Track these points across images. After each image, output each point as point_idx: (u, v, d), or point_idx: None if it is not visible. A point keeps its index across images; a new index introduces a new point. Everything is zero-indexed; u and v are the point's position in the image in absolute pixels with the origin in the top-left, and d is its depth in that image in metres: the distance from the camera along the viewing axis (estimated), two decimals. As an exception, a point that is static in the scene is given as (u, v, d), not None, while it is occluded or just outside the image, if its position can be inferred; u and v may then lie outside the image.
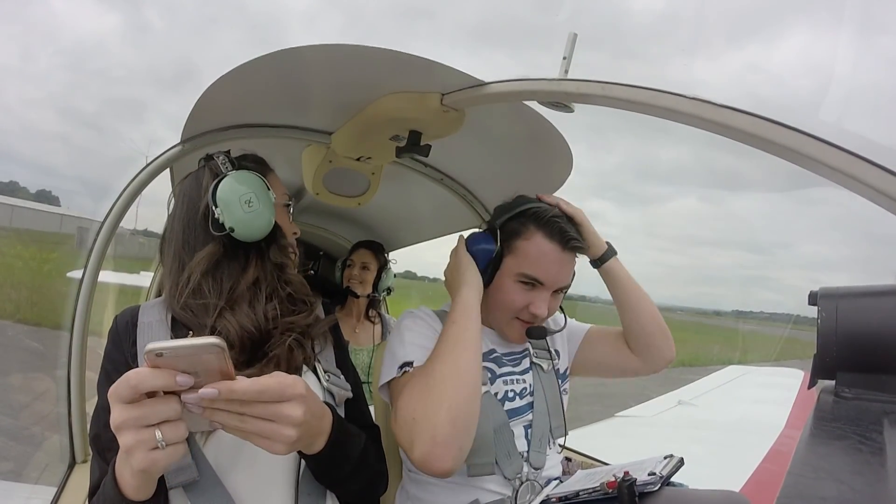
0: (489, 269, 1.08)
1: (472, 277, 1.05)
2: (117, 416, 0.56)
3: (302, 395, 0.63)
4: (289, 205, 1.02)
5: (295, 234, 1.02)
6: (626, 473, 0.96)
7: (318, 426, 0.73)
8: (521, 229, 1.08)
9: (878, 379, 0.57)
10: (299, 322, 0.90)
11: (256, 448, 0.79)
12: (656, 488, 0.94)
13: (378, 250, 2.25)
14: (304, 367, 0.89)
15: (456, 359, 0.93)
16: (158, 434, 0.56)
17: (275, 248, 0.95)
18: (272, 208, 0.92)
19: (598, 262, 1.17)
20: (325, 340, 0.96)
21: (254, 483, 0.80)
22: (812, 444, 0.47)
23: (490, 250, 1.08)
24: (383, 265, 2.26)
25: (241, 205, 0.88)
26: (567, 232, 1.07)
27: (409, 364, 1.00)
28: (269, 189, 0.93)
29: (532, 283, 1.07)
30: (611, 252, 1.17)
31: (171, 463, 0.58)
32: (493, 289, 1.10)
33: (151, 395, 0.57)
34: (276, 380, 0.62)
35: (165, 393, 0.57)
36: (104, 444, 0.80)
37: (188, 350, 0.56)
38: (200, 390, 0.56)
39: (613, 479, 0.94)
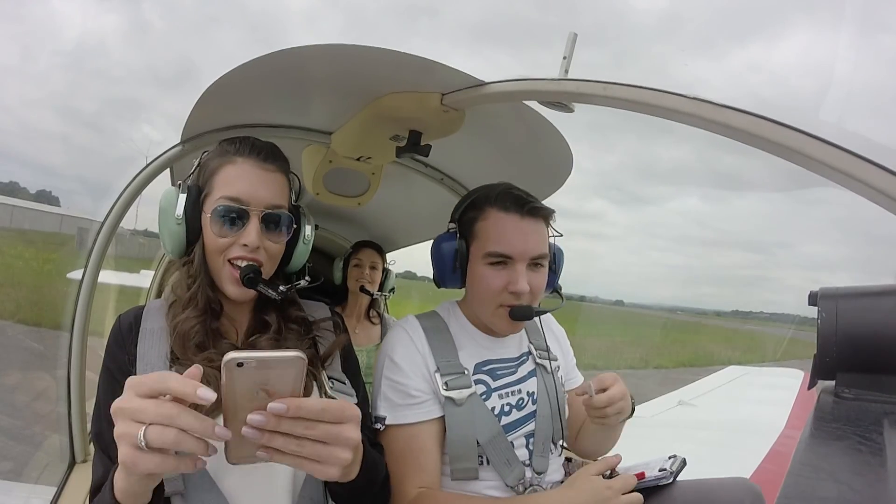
0: (457, 265, 1.08)
1: None
2: (119, 401, 0.56)
3: (358, 418, 0.63)
4: (225, 214, 0.84)
5: (245, 246, 0.84)
6: (643, 475, 0.98)
7: (359, 454, 0.73)
8: (477, 213, 1.07)
9: (878, 379, 0.57)
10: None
11: None
12: (669, 482, 0.97)
13: (381, 250, 2.28)
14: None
15: None
16: (140, 432, 0.54)
17: (201, 263, 0.87)
18: (173, 228, 0.85)
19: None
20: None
21: (251, 488, 0.79)
22: (812, 445, 0.47)
23: (453, 245, 1.08)
24: (385, 265, 2.30)
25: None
26: (522, 198, 1.05)
27: (382, 420, 1.02)
28: (176, 202, 0.85)
29: (502, 260, 1.03)
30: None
31: (152, 470, 0.55)
32: (469, 283, 1.09)
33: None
34: (337, 402, 0.62)
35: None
36: (107, 442, 0.79)
37: (270, 362, 0.55)
38: (270, 404, 0.55)
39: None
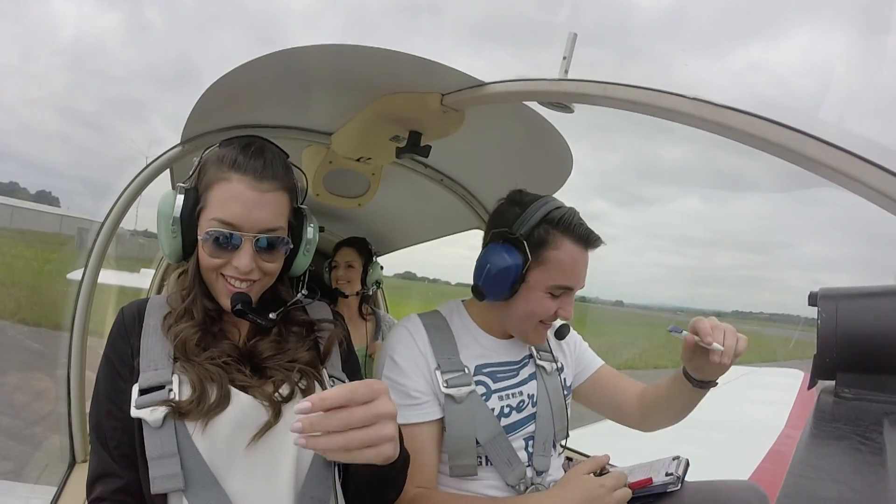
0: (516, 283, 1.03)
1: None
2: None
3: (388, 389, 0.66)
4: (218, 238, 0.81)
5: (235, 268, 0.82)
6: (650, 481, 0.98)
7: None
8: (548, 238, 1.02)
9: (878, 379, 0.57)
10: (300, 358, 0.87)
11: (255, 450, 0.79)
12: (678, 488, 0.98)
13: (361, 246, 2.23)
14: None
15: None
16: None
17: (195, 276, 0.87)
18: (169, 236, 0.84)
19: (700, 384, 1.04)
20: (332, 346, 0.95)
21: (253, 486, 0.79)
22: (812, 445, 0.47)
23: (519, 266, 1.01)
24: (368, 260, 2.24)
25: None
26: (591, 232, 1.04)
27: None
28: (173, 208, 0.83)
29: (564, 291, 1.05)
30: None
31: None
32: (516, 301, 1.05)
33: None
34: (361, 381, 0.64)
35: None
36: (106, 432, 0.79)
37: None
38: (295, 407, 0.60)
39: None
